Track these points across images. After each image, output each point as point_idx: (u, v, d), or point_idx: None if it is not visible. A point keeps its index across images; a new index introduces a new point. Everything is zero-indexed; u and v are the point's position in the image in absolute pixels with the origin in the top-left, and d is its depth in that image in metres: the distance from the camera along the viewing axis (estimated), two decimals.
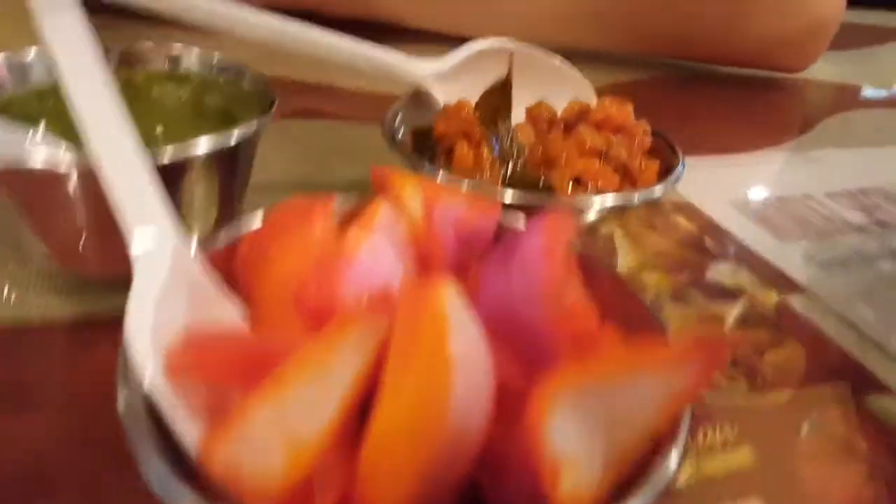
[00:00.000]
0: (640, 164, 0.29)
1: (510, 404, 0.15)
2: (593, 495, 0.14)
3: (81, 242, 0.24)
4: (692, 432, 0.17)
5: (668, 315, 0.29)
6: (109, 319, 0.25)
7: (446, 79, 0.34)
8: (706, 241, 0.35)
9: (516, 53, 0.34)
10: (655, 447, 0.15)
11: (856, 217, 0.39)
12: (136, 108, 0.29)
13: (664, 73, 0.59)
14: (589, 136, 0.29)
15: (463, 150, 0.27)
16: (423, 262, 0.19)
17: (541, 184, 0.27)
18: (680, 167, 0.30)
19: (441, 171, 0.26)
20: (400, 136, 0.31)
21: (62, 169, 0.22)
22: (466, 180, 0.26)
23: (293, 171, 0.36)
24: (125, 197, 0.19)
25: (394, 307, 0.16)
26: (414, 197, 0.20)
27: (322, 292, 0.18)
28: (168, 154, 0.23)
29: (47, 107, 0.27)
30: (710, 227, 0.36)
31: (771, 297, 0.31)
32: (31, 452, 0.20)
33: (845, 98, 0.61)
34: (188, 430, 0.15)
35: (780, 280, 0.32)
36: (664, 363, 0.14)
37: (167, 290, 0.18)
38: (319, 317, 0.18)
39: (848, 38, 0.79)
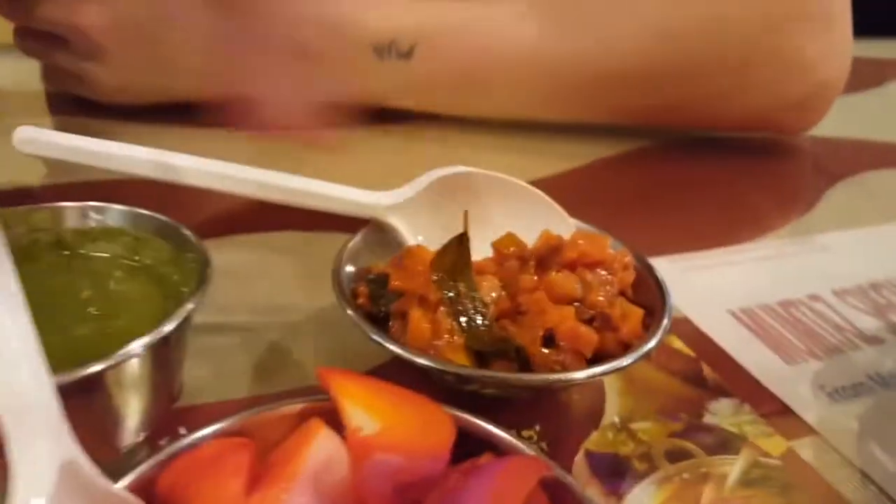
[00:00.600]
0: (622, 309, 0.26)
1: None
2: None
3: None
4: None
5: (665, 478, 0.26)
6: None
7: (407, 210, 0.31)
8: (704, 370, 0.32)
9: (480, 178, 0.31)
10: None
11: (869, 324, 0.36)
12: (67, 266, 0.28)
13: (651, 143, 0.56)
14: (562, 281, 0.26)
15: (418, 321, 0.24)
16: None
17: (510, 350, 0.24)
18: (666, 311, 0.27)
19: (392, 345, 0.24)
20: (350, 281, 0.28)
21: None
22: (424, 359, 0.23)
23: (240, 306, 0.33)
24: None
25: None
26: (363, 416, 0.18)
27: None
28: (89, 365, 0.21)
29: None
30: (707, 349, 0.33)
31: (777, 446, 0.28)
32: None
33: (853, 157, 0.58)
34: None
35: (787, 420, 0.29)
36: None
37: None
38: None
39: (859, 77, 0.76)
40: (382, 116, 0.52)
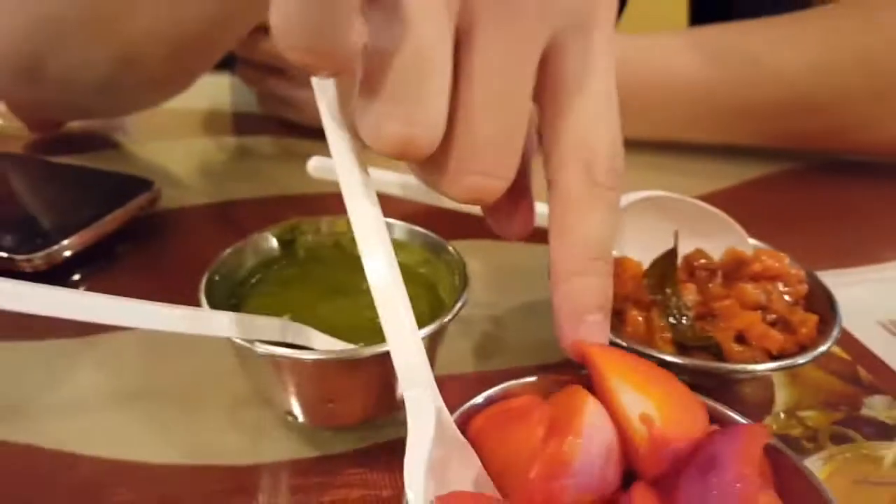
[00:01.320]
0: (800, 316, 0.32)
1: None
2: None
3: (321, 406, 0.30)
4: None
5: (830, 456, 0.32)
6: (343, 457, 0.31)
7: None
8: (860, 372, 0.37)
9: (666, 201, 0.38)
10: None
11: None
12: (347, 264, 0.36)
13: (797, 165, 0.60)
14: (750, 291, 0.32)
15: (635, 318, 0.31)
16: (622, 465, 0.23)
17: (712, 345, 0.31)
18: (837, 319, 0.32)
19: (618, 338, 0.30)
20: None
21: (308, 357, 0.28)
22: (644, 349, 0.30)
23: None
24: (407, 371, 0.24)
25: None
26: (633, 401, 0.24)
27: (547, 494, 0.22)
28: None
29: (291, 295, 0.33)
30: (863, 355, 0.38)
31: None
32: None
33: None
34: None
35: None
36: None
37: (433, 438, 0.23)
38: None
39: None
40: None
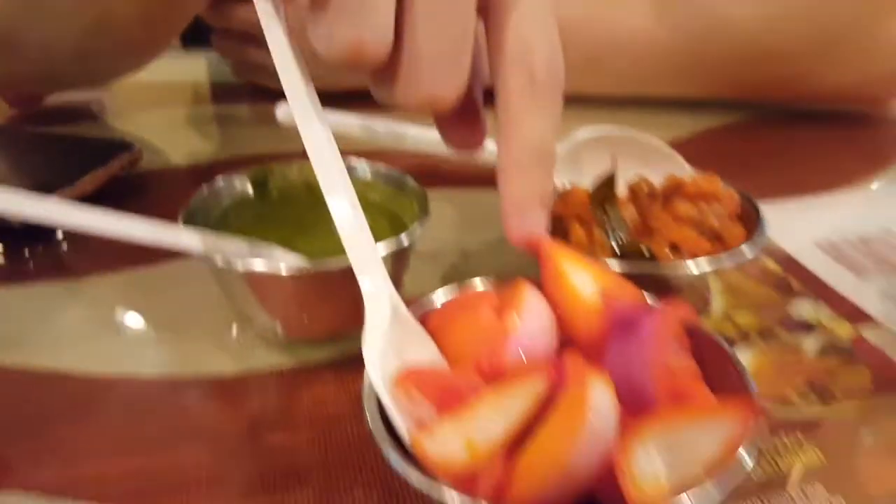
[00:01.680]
0: (729, 229, 0.35)
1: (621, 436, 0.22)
2: (663, 498, 0.21)
3: (297, 319, 0.33)
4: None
5: (756, 348, 0.35)
6: (319, 365, 0.34)
7: (563, 161, 0.41)
8: (791, 282, 0.40)
9: (616, 136, 0.41)
10: None
11: None
12: (317, 201, 0.39)
13: (751, 115, 0.64)
14: (683, 207, 0.36)
15: (578, 231, 0.34)
16: (557, 336, 0.27)
17: (645, 253, 0.34)
18: (762, 228, 0.36)
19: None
20: None
21: (283, 272, 0.31)
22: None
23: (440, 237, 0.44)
24: (360, 265, 0.28)
25: (547, 372, 0.23)
26: (572, 273, 0.28)
27: (492, 362, 0.26)
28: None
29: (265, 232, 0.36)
30: (795, 268, 0.42)
31: (846, 330, 0.37)
32: (285, 451, 0.29)
33: None
34: (405, 427, 0.23)
35: (855, 314, 0.38)
36: (716, 418, 0.22)
37: (388, 323, 0.26)
38: (490, 378, 0.25)
39: None
40: None
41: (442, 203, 0.48)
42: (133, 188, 0.50)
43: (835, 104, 0.64)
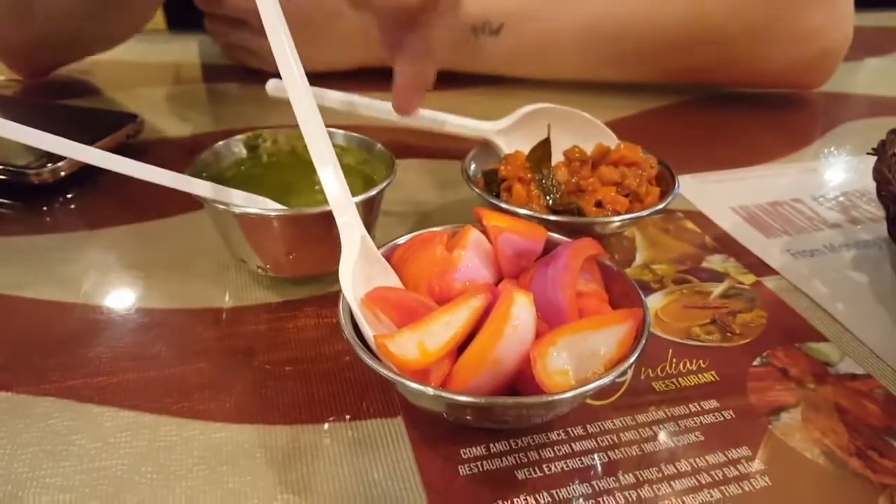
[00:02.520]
0: (646, 190, 0.42)
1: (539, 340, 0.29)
2: (569, 386, 0.28)
3: (284, 258, 0.39)
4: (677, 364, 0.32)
5: (669, 291, 0.42)
6: (302, 301, 0.40)
7: (506, 133, 0.48)
8: (706, 240, 0.47)
9: (556, 111, 0.48)
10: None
11: (833, 216, 0.51)
12: (299, 165, 0.45)
13: (686, 98, 0.71)
14: (608, 171, 0.42)
15: (518, 189, 0.41)
16: (497, 269, 0.33)
17: (574, 208, 0.41)
18: (675, 190, 0.43)
19: (504, 203, 0.40)
20: (473, 175, 0.45)
21: (273, 216, 0.37)
22: (522, 209, 0.40)
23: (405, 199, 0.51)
24: (337, 206, 0.34)
25: (485, 292, 0.30)
26: (495, 225, 0.34)
27: (442, 286, 0.32)
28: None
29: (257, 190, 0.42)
30: (711, 229, 0.49)
31: (749, 279, 0.43)
32: (272, 365, 0.35)
33: (856, 107, 0.71)
34: (371, 332, 0.30)
35: (759, 267, 0.45)
36: (612, 325, 0.29)
37: (359, 257, 0.33)
38: (440, 298, 0.32)
39: (875, 44, 0.89)
40: (476, 81, 0.69)
41: (408, 171, 0.55)
42: (136, 155, 0.55)
43: (763, 87, 0.71)
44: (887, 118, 0.69)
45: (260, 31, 0.68)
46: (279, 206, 0.39)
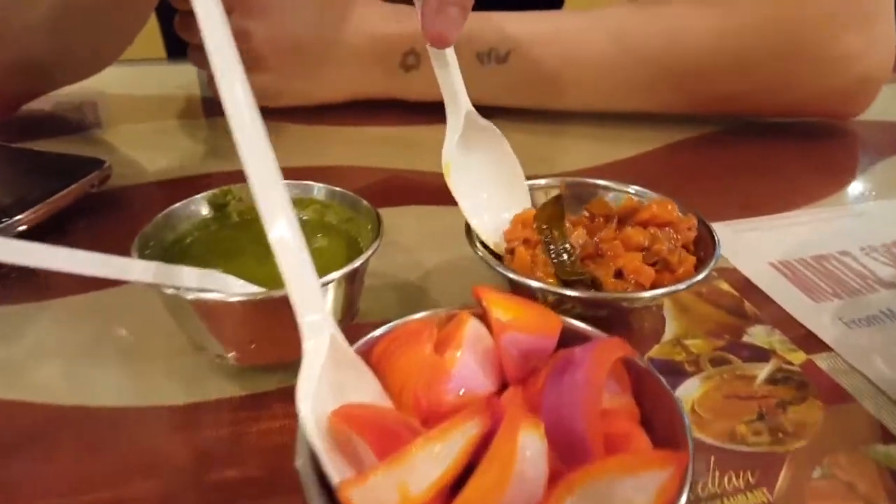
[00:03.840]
0: (679, 257, 0.36)
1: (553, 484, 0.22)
2: None
3: (249, 345, 0.33)
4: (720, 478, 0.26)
5: (707, 375, 0.36)
6: (268, 395, 0.34)
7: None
8: (745, 306, 0.41)
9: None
10: None
11: (887, 273, 0.44)
12: None
13: (715, 129, 0.64)
14: (634, 234, 0.36)
15: (522, 253, 0.35)
16: (499, 372, 0.27)
17: (587, 279, 0.34)
18: (716, 254, 0.36)
19: (511, 273, 0.34)
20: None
21: (231, 300, 0.31)
22: (531, 280, 0.34)
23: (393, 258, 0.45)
24: (300, 300, 0.27)
25: (484, 413, 0.24)
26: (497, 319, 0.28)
27: (430, 399, 0.26)
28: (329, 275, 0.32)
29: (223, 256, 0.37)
30: (750, 291, 0.42)
31: (798, 357, 0.37)
32: (233, 484, 0.29)
33: None
34: (334, 474, 0.23)
35: (809, 341, 0.38)
36: (648, 468, 0.22)
37: (327, 363, 0.26)
38: (429, 414, 0.26)
39: None
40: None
41: (405, 219, 0.49)
42: (103, 204, 0.50)
43: (794, 117, 0.65)
44: None
45: (246, 63, 0.63)
46: (239, 285, 0.33)
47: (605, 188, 0.42)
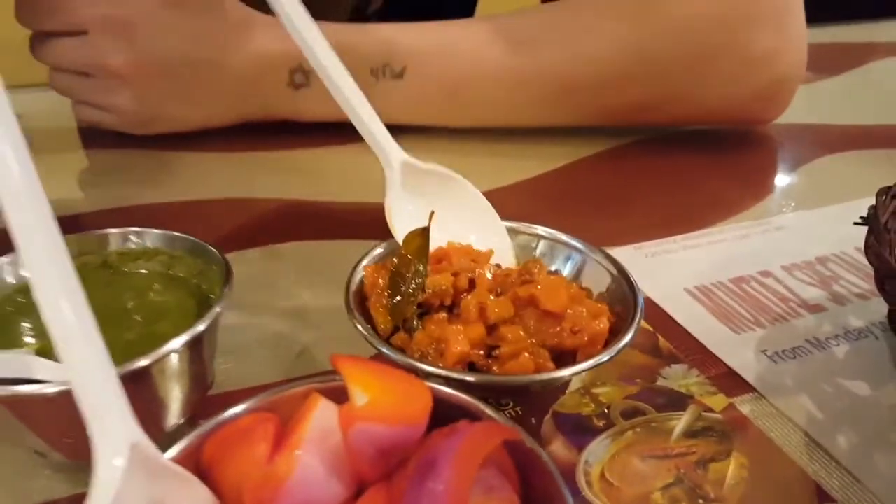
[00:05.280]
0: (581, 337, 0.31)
1: None
2: None
3: (66, 439, 0.27)
4: None
5: (619, 433, 0.31)
6: None
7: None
8: (659, 342, 0.37)
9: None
10: None
11: (812, 294, 0.41)
12: (113, 283, 0.33)
13: (628, 140, 0.60)
14: (513, 332, 0.31)
15: (372, 275, 0.33)
16: (349, 473, 0.22)
17: (406, 324, 0.31)
18: (635, 323, 0.31)
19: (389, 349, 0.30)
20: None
21: (49, 391, 0.25)
22: (426, 365, 0.29)
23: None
24: (89, 405, 0.21)
25: None
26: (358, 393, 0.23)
27: None
28: (138, 361, 0.26)
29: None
30: (665, 324, 0.38)
31: (719, 402, 0.33)
32: None
33: (817, 143, 0.62)
34: None
35: (730, 381, 0.34)
36: None
37: (127, 486, 0.20)
38: None
39: (830, 62, 0.80)
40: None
41: (288, 256, 0.43)
42: None
43: (708, 124, 0.62)
44: (858, 151, 0.60)
45: (110, 88, 0.57)
46: (55, 366, 0.27)
47: (513, 231, 0.38)
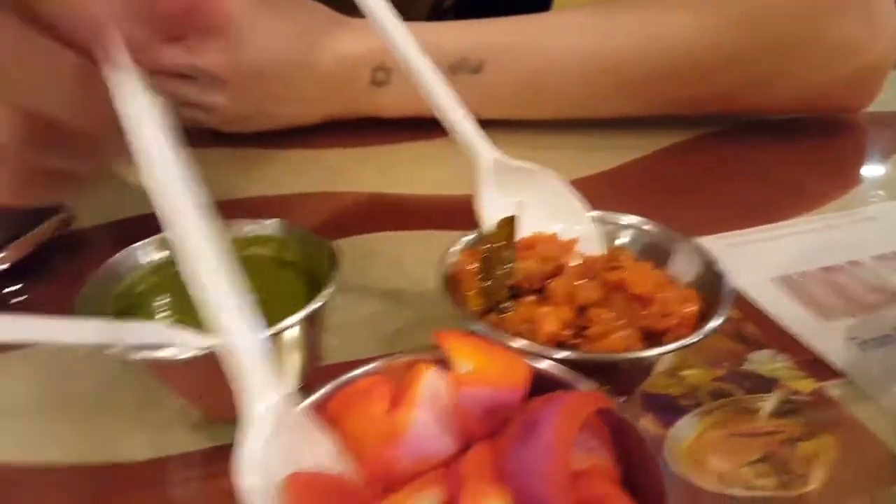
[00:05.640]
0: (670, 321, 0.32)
1: None
2: None
3: (205, 399, 0.31)
4: None
5: (706, 412, 0.32)
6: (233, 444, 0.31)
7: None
8: (747, 328, 0.37)
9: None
10: None
11: None
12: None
13: (708, 130, 0.61)
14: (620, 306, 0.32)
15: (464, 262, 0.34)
16: (462, 429, 0.24)
17: (490, 302, 0.32)
18: (723, 306, 0.31)
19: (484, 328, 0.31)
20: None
21: (181, 357, 0.28)
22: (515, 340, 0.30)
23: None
24: (241, 364, 0.24)
25: (441, 483, 0.21)
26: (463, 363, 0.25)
27: (382, 463, 0.23)
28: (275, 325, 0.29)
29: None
30: (751, 312, 0.39)
31: (807, 385, 0.34)
32: None
33: None
34: None
35: (819, 366, 0.35)
36: None
37: (274, 430, 0.24)
38: (382, 479, 0.23)
39: None
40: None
41: (379, 246, 0.46)
42: (67, 249, 0.47)
43: (793, 113, 0.61)
44: None
45: (209, 88, 0.61)
46: (190, 337, 0.30)
47: (599, 220, 0.39)
